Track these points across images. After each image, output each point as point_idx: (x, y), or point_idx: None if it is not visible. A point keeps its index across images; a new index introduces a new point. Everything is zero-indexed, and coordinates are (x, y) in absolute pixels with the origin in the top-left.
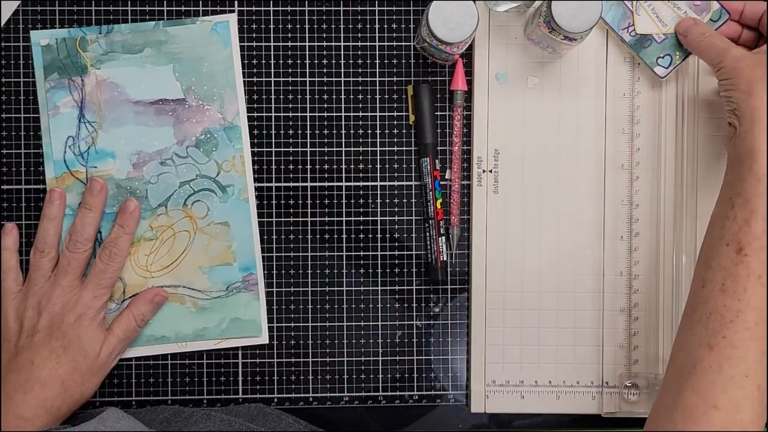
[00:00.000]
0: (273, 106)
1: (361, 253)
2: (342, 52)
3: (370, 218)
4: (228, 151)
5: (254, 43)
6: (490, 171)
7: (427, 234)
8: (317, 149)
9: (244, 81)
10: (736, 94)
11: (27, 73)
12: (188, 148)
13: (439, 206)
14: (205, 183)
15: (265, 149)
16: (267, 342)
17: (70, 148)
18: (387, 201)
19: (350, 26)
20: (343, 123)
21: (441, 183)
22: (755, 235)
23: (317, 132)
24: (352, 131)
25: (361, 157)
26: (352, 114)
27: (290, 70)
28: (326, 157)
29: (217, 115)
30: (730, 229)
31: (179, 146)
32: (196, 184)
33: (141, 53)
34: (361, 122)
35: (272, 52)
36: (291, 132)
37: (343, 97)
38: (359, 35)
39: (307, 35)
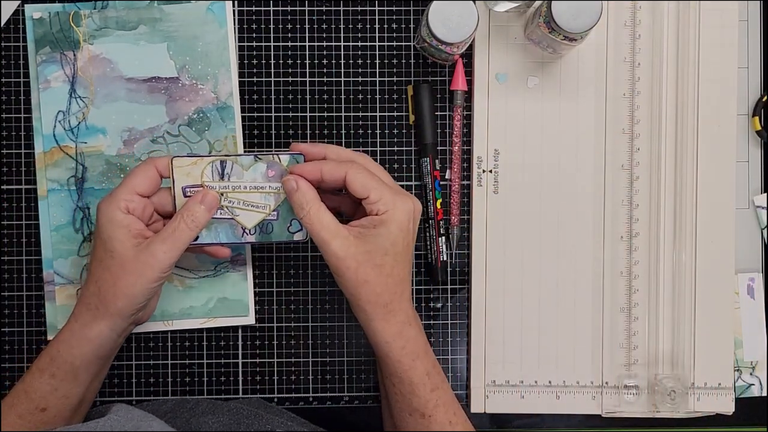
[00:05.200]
0: (273, 106)
1: None
2: (342, 52)
3: None
4: (220, 131)
5: (254, 43)
6: (490, 171)
7: (427, 234)
8: None
9: (244, 81)
10: (347, 292)
11: (22, 73)
12: (180, 127)
13: (439, 206)
14: None
15: (265, 149)
16: (254, 323)
17: (60, 123)
18: None
19: (350, 26)
20: (343, 123)
21: (441, 183)
22: (426, 399)
23: (317, 131)
24: (352, 131)
25: None
26: (352, 114)
27: (290, 70)
28: None
29: (210, 94)
30: (405, 403)
31: (171, 124)
32: None
33: (135, 30)
34: (361, 122)
35: (272, 52)
36: (291, 132)
37: (343, 97)
38: (359, 35)
39: (307, 35)
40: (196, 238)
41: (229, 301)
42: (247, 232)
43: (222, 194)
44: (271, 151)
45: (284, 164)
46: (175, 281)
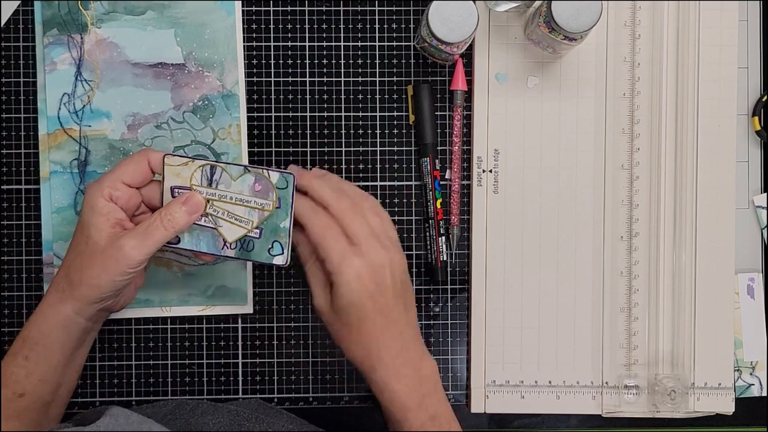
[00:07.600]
0: (273, 106)
1: None
2: (342, 52)
3: None
4: (225, 119)
5: (254, 43)
6: (490, 171)
7: (427, 234)
8: (317, 149)
9: (244, 81)
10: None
11: (24, 71)
12: (185, 114)
13: (439, 206)
14: (199, 149)
15: (265, 149)
16: (252, 312)
17: (65, 105)
18: (387, 201)
19: (350, 26)
20: (343, 123)
21: (441, 183)
22: None
23: (317, 132)
24: (352, 131)
25: (361, 157)
26: (352, 114)
27: (290, 70)
28: (326, 157)
29: (216, 82)
30: None
31: (176, 111)
32: (190, 149)
33: (143, 15)
34: (361, 122)
35: (272, 52)
36: (291, 132)
37: (343, 97)
38: (359, 35)
39: (307, 35)
40: (178, 241)
41: (228, 289)
42: (228, 245)
43: (208, 201)
44: (263, 166)
45: (273, 181)
46: (175, 268)
